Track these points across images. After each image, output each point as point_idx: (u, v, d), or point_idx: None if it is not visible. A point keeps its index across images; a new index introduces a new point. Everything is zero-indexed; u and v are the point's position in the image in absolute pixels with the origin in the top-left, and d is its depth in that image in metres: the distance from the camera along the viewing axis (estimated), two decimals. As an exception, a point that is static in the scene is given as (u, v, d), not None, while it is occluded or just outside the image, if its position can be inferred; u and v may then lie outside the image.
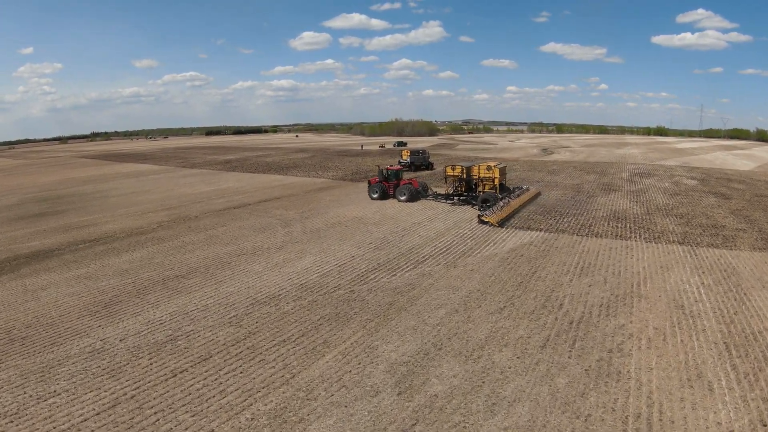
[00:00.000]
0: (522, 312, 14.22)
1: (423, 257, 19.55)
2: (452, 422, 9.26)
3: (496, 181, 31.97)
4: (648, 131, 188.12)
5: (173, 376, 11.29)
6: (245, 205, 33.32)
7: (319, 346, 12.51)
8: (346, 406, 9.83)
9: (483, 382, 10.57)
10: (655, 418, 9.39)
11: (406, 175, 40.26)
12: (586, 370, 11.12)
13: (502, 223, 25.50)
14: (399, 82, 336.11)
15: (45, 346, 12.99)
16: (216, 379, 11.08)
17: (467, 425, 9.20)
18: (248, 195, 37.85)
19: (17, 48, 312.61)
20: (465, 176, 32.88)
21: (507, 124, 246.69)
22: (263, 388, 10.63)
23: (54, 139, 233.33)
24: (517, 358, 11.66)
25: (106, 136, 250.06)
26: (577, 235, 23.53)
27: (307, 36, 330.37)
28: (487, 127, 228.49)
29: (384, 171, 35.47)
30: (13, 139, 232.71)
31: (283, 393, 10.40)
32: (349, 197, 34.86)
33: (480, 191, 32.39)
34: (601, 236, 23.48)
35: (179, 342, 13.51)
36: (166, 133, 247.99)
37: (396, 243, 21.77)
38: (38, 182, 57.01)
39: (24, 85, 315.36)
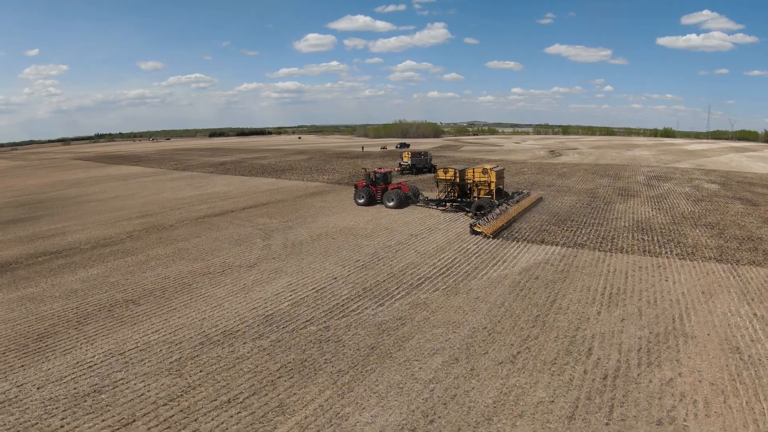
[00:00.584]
0: (541, 361, 11.01)
1: (418, 279, 16.37)
2: None
3: (493, 186, 28.74)
4: (655, 133, 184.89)
5: (62, 464, 8.22)
6: (227, 213, 30.33)
7: (272, 412, 9.40)
8: None
9: (491, 485, 7.40)
10: None
11: (408, 178, 37.05)
12: (637, 462, 7.90)
13: (496, 234, 22.43)
14: (404, 84, 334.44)
15: None
16: (117, 472, 7.98)
17: None
18: (234, 201, 34.88)
19: (23, 50, 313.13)
20: (458, 180, 29.69)
21: (512, 125, 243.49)
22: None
23: (58, 141, 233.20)
24: (539, 438, 8.48)
25: (110, 137, 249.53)
26: (599, 250, 20.27)
27: (312, 38, 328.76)
28: (492, 129, 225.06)
29: (371, 174, 32.53)
30: (18, 140, 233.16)
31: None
32: (341, 204, 31.76)
33: (475, 197, 29.26)
34: (626, 252, 20.22)
35: (103, 395, 10.53)
36: (171, 134, 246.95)
37: (388, 260, 18.62)
38: (25, 185, 54.91)
39: (30, 86, 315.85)
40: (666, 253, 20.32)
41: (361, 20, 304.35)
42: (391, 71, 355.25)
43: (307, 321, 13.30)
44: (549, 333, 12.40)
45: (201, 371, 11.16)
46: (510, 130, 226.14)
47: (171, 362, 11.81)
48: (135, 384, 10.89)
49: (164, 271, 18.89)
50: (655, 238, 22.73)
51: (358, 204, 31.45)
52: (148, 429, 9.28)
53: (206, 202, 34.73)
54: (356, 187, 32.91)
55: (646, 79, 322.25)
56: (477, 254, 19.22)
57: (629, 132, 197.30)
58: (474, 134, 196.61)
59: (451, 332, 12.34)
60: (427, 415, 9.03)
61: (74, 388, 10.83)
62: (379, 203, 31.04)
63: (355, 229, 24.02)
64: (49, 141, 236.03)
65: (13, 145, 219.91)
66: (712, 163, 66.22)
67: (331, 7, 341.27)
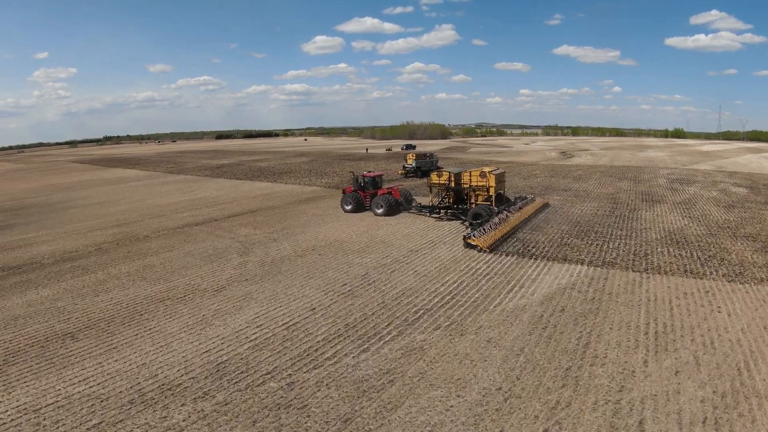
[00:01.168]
0: (579, 447, 7.90)
1: (416, 312, 13.28)
2: None
3: (492, 191, 25.59)
4: (665, 134, 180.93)
5: None
6: (210, 221, 27.52)
7: None
8: None
9: None
10: None
11: (412, 181, 34.01)
12: None
13: (494, 248, 19.40)
14: (412, 86, 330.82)
15: None
16: None
17: None
18: (220, 208, 32.08)
19: (32, 53, 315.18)
20: (453, 184, 26.52)
21: (520, 127, 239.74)
22: None
23: (65, 143, 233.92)
24: None
25: (117, 140, 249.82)
26: (633, 270, 17.05)
27: (320, 40, 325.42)
28: (500, 130, 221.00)
29: (359, 178, 29.62)
30: (27, 143, 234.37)
31: None
32: (336, 212, 28.78)
33: (473, 203, 26.12)
34: (665, 272, 16.99)
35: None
36: (179, 137, 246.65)
37: (380, 284, 15.56)
38: (14, 189, 53.15)
39: (39, 89, 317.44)
40: (710, 273, 17.06)
41: (368, 22, 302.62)
42: (399, 73, 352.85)
43: (267, 374, 10.28)
44: (585, 397, 9.27)
45: (114, 451, 8.24)
46: (518, 131, 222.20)
47: (87, 430, 8.95)
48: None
49: (119, 295, 16.11)
50: (694, 254, 19.47)
51: (345, 210, 28.69)
52: None
53: (191, 209, 32.01)
54: (344, 192, 30.15)
55: (654, 79, 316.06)
56: (488, 276, 16.08)
57: (639, 133, 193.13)
58: (482, 135, 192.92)
59: (455, 396, 9.24)
60: None
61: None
62: (368, 209, 28.21)
63: (346, 243, 21.02)
64: (57, 143, 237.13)
65: (21, 148, 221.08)
66: (731, 164, 62.90)
67: (339, 9, 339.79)
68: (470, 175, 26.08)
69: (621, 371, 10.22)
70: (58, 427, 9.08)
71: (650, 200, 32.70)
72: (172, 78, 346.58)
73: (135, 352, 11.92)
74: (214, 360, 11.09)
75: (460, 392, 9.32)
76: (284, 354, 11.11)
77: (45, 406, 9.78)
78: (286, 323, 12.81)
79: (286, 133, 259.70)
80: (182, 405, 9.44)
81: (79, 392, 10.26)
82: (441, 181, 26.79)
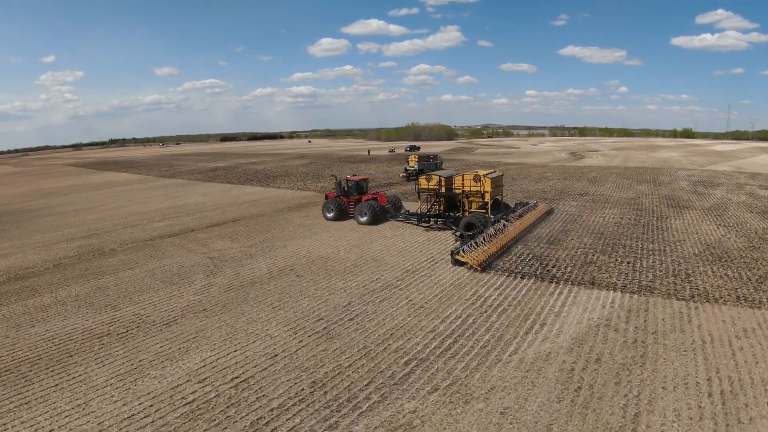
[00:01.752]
0: None
1: (406, 364, 10.22)
2: None
3: (487, 197, 22.43)
4: (674, 134, 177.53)
5: None
6: (185, 232, 24.70)
7: None
8: None
9: None
10: None
11: (411, 186, 30.97)
12: None
13: (486, 266, 16.44)
14: (418, 88, 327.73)
15: None
16: None
17: None
18: (201, 216, 29.26)
19: (39, 56, 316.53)
20: (444, 190, 23.40)
21: (526, 128, 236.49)
22: None
23: (71, 146, 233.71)
24: None
25: (122, 142, 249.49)
26: (677, 297, 13.91)
27: (326, 42, 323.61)
28: (507, 131, 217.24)
29: (342, 182, 26.77)
30: (34, 146, 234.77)
31: None
32: (325, 222, 25.81)
33: (467, 210, 23.04)
34: (714, 299, 13.85)
35: None
36: (185, 139, 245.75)
37: (365, 319, 12.55)
38: (1, 194, 50.81)
39: (46, 93, 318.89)
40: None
41: (374, 24, 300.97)
42: (404, 75, 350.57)
43: (191, 467, 7.33)
44: None
45: None
46: (525, 132, 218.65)
47: None
48: None
49: (56, 327, 13.35)
50: (743, 274, 16.29)
51: (327, 218, 25.93)
52: None
53: (170, 218, 29.22)
54: (326, 197, 27.41)
55: (661, 79, 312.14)
56: (500, 308, 12.99)
57: (648, 133, 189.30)
58: (488, 136, 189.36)
59: None
60: None
61: None
62: (352, 217, 25.47)
63: (331, 260, 18.02)
64: (63, 146, 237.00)
65: (27, 151, 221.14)
66: (748, 165, 59.76)
67: (345, 11, 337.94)
68: (463, 179, 22.94)
69: (693, 466, 7.15)
70: None
71: (676, 206, 29.46)
72: (178, 81, 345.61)
73: (47, 411, 9.19)
74: (128, 437, 8.16)
75: None
76: (223, 430, 8.14)
77: None
78: (237, 377, 9.84)
79: (291, 135, 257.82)
80: None
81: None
82: (430, 186, 23.67)
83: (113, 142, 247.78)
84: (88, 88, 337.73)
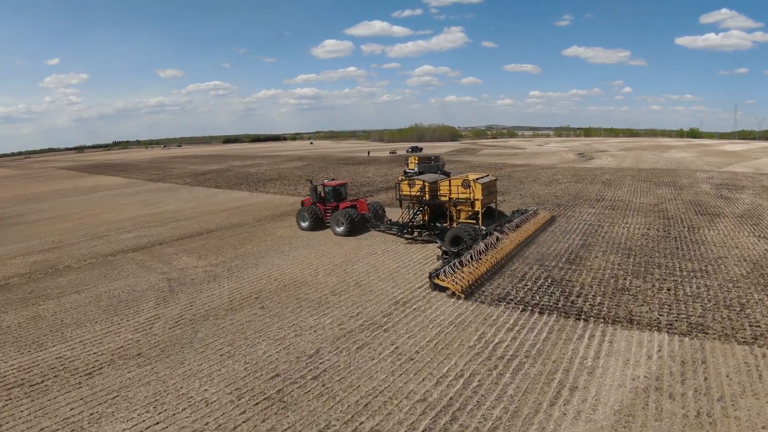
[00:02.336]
0: None
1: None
2: None
3: (478, 205, 19.34)
4: (681, 134, 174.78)
5: None
6: (153, 246, 21.87)
7: None
8: None
9: None
10: None
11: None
12: None
13: (470, 291, 13.50)
14: (421, 89, 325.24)
15: None
16: None
17: None
18: (175, 226, 26.41)
19: (43, 59, 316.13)
20: (428, 197, 20.28)
21: (531, 129, 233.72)
22: None
23: (73, 149, 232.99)
24: None
25: (125, 145, 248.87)
26: (738, 340, 10.77)
27: (329, 44, 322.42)
28: (511, 132, 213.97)
29: (318, 188, 23.98)
30: (38, 148, 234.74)
31: None
32: (309, 234, 22.83)
33: (456, 220, 20.00)
34: (787, 342, 10.73)
35: None
36: (188, 141, 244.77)
37: (333, 377, 9.52)
38: (-17, 200, 48.46)
39: (50, 95, 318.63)
40: None
41: (378, 26, 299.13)
42: (408, 76, 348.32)
43: None
44: None
45: None
46: (529, 133, 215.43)
47: None
48: None
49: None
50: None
51: (302, 228, 23.21)
52: None
53: (142, 227, 26.41)
54: (302, 204, 24.56)
55: (665, 79, 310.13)
56: (514, 362, 9.89)
57: (653, 133, 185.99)
58: (493, 137, 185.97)
59: None
60: None
61: None
62: (329, 227, 22.73)
63: (307, 285, 15.00)
64: (66, 149, 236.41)
65: (30, 154, 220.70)
66: (765, 165, 56.46)
67: (348, 13, 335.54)
68: (450, 185, 19.83)
69: None
70: None
71: (705, 213, 26.25)
72: (182, 83, 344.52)
73: None
74: None
75: None
76: None
77: None
78: (140, 480, 6.88)
79: (295, 137, 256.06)
80: None
81: None
82: (413, 193, 20.51)
83: (116, 145, 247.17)
84: (92, 90, 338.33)
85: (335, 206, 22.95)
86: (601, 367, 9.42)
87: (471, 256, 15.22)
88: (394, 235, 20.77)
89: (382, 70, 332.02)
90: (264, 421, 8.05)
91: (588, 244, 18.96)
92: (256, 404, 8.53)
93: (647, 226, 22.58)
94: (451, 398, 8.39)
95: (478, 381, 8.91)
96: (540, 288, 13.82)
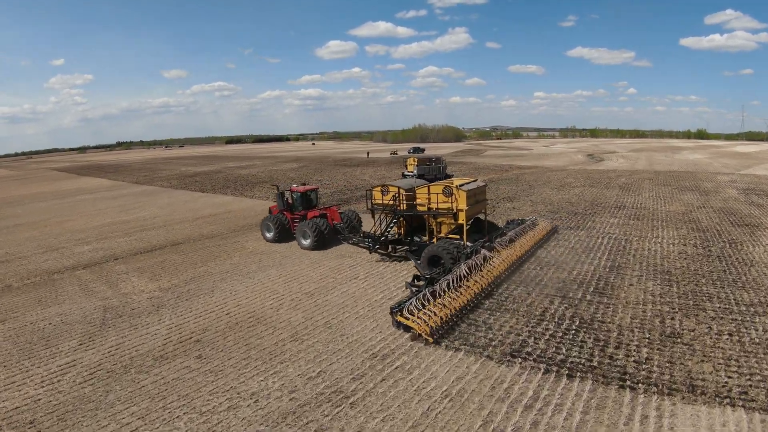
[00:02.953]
0: None
1: None
2: None
3: (462, 217, 16.01)
4: (688, 134, 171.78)
5: None
6: (106, 261, 18.93)
7: None
8: None
9: None
10: None
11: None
12: None
13: (440, 334, 10.45)
14: (426, 90, 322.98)
15: None
16: None
17: None
18: (139, 237, 23.43)
19: (48, 59, 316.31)
20: (403, 207, 16.94)
21: (535, 130, 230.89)
22: None
23: (77, 149, 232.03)
24: None
25: (127, 145, 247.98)
26: None
27: (334, 45, 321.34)
28: (516, 133, 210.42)
29: (286, 194, 21.09)
30: (43, 148, 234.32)
31: None
32: (286, 249, 19.71)
33: (437, 235, 16.82)
34: None
35: None
36: (193, 142, 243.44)
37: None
38: (-40, 203, 45.79)
39: (56, 95, 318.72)
40: None
41: (382, 26, 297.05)
42: (412, 77, 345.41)
43: None
44: None
45: None
46: (534, 134, 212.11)
47: None
48: None
49: None
50: None
51: (266, 239, 20.44)
52: None
53: (104, 238, 23.48)
54: (269, 212, 21.70)
55: (669, 80, 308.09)
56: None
57: (661, 134, 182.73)
58: (497, 138, 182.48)
59: None
60: None
61: None
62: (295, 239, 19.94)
63: (264, 323, 11.87)
64: (70, 149, 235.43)
65: (33, 154, 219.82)
66: (786, 167, 53.07)
67: (353, 14, 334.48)
68: (429, 193, 16.45)
69: None
70: None
71: (742, 224, 22.91)
72: (186, 84, 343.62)
73: None
74: None
75: None
76: None
77: None
78: None
79: (298, 137, 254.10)
80: None
81: None
82: (386, 201, 17.21)
83: (119, 145, 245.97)
84: (97, 90, 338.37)
85: (304, 215, 19.96)
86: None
87: (449, 284, 12.06)
88: (366, 248, 17.48)
89: (386, 71, 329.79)
90: None
91: (618, 265, 15.67)
92: None
93: (682, 241, 19.28)
94: None
95: None
96: (566, 334, 10.53)
